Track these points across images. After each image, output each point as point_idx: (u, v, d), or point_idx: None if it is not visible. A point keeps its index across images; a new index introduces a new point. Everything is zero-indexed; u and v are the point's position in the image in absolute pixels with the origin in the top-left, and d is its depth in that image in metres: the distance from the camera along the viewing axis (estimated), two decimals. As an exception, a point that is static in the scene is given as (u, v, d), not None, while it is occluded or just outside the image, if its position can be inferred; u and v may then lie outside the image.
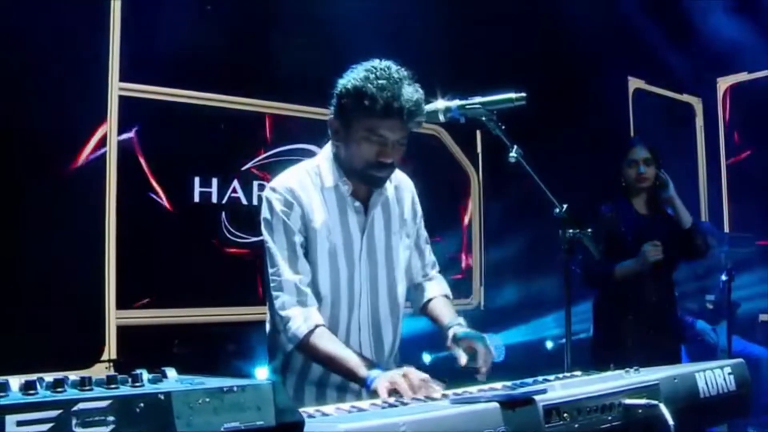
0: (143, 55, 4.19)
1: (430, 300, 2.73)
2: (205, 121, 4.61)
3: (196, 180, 4.58)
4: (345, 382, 2.46)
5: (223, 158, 4.71)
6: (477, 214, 5.94)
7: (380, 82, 2.31)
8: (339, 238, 2.49)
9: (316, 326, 2.38)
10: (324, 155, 2.55)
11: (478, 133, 5.87)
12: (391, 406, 1.84)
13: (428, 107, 2.48)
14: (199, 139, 4.59)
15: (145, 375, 1.28)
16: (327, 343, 2.37)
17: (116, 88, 4.00)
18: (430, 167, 5.71)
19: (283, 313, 2.40)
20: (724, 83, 6.50)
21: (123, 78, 4.06)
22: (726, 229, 6.40)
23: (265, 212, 2.48)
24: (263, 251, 2.49)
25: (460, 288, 5.82)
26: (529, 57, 5.51)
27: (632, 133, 6.28)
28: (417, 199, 2.74)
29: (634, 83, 6.41)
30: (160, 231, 4.38)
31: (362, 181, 2.48)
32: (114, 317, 3.92)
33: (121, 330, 3.97)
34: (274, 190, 2.47)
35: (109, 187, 3.94)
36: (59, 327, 3.67)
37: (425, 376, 2.15)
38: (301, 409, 1.81)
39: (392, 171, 2.49)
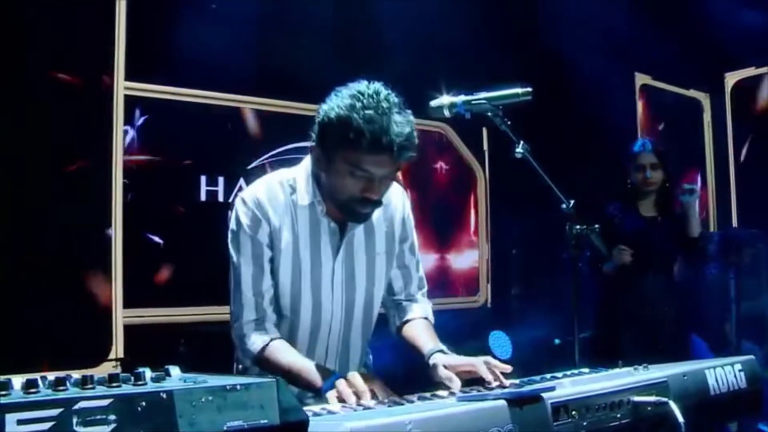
0: (149, 54, 4.19)
1: (407, 321, 2.50)
2: (212, 120, 4.61)
3: (203, 179, 4.59)
4: (301, 395, 2.29)
5: (229, 157, 4.71)
6: (483, 212, 5.93)
7: (367, 112, 2.07)
8: (306, 261, 2.33)
9: (271, 340, 2.29)
10: (303, 169, 2.37)
11: (485, 130, 5.86)
12: (397, 404, 1.82)
13: (433, 103, 2.45)
14: (205, 138, 4.60)
15: (148, 373, 1.26)
16: (284, 355, 2.27)
17: (122, 87, 4.00)
18: (436, 164, 5.72)
19: (239, 332, 2.33)
20: (731, 78, 6.45)
21: (129, 77, 4.05)
22: (734, 225, 6.37)
23: (232, 224, 2.34)
24: (228, 264, 2.37)
25: (466, 285, 5.82)
26: (535, 53, 5.49)
27: (639, 129, 6.27)
28: (409, 213, 2.53)
29: (641, 79, 6.38)
30: (167, 229, 4.38)
31: (343, 214, 2.30)
32: (121, 316, 3.92)
33: (129, 329, 3.97)
34: (243, 202, 2.32)
35: (116, 185, 3.93)
36: (67, 326, 3.67)
37: (372, 378, 2.06)
38: (306, 408, 1.81)
39: (378, 207, 2.28)
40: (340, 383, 2.02)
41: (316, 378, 2.17)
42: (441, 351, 2.29)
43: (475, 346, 5.37)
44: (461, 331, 5.28)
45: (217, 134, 4.67)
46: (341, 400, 1.99)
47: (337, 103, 2.15)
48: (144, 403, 1.10)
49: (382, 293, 2.50)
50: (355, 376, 2.02)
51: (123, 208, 3.97)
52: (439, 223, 5.73)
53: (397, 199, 2.50)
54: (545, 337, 5.83)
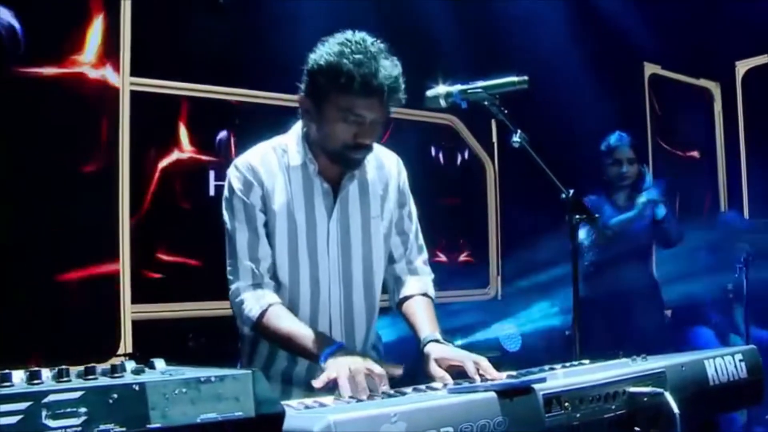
0: (155, 49, 4.20)
1: (407, 298, 2.48)
2: (219, 115, 4.61)
3: (211, 173, 4.58)
4: (313, 369, 2.24)
5: (238, 152, 4.70)
6: (493, 203, 5.90)
7: (356, 57, 2.11)
8: (302, 223, 2.32)
9: (269, 305, 2.27)
10: (293, 132, 2.40)
11: (494, 122, 5.82)
12: (390, 396, 1.81)
13: (429, 93, 2.42)
14: (212, 133, 4.60)
15: (129, 366, 1.26)
16: (281, 321, 2.25)
17: (128, 83, 4.00)
18: (445, 156, 5.70)
19: (237, 299, 2.31)
20: (742, 67, 6.38)
21: (135, 73, 4.05)
22: (746, 215, 6.31)
23: (225, 191, 2.36)
24: (223, 233, 2.37)
25: (476, 277, 5.79)
26: (542, 42, 5.45)
27: (648, 120, 6.22)
28: (405, 181, 2.53)
29: (650, 68, 6.33)
30: (175, 225, 4.39)
31: (337, 163, 2.31)
32: (129, 311, 3.93)
33: (137, 324, 3.98)
34: (236, 168, 2.34)
35: (123, 182, 3.94)
36: (76, 321, 3.68)
37: (376, 368, 2.01)
38: (299, 401, 1.80)
39: (370, 152, 2.30)
40: (342, 374, 1.98)
41: (315, 345, 2.16)
42: (436, 340, 2.26)
43: (485, 338, 5.36)
44: (471, 324, 5.27)
45: (225, 129, 4.67)
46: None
47: (325, 50, 2.19)
48: (116, 396, 1.09)
49: (382, 262, 2.48)
50: (359, 374, 1.98)
51: (131, 204, 3.97)
52: (449, 215, 5.71)
53: (391, 163, 2.51)
54: (556, 328, 5.80)
